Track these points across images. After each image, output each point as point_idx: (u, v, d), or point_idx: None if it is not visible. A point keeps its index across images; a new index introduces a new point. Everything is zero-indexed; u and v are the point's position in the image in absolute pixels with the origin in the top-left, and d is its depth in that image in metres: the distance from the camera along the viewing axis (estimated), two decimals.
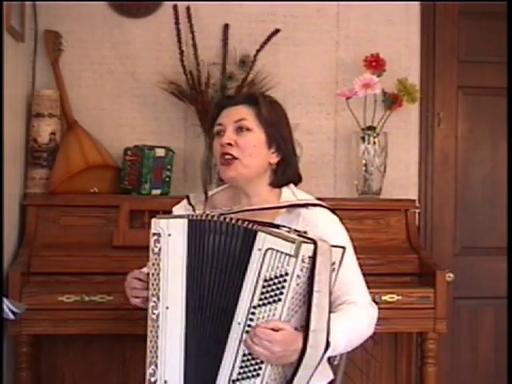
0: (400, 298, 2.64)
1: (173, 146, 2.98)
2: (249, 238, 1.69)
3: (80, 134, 2.90)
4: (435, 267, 2.72)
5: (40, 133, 2.85)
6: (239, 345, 1.69)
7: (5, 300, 2.08)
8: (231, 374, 1.70)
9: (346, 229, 1.98)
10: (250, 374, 1.69)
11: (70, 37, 3.01)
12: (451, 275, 2.81)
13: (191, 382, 1.77)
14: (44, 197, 2.80)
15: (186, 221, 1.78)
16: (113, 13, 3.05)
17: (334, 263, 1.73)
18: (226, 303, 1.72)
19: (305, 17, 3.14)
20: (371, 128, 3.01)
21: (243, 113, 1.93)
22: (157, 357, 1.78)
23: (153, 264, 1.80)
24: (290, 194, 1.97)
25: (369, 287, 2.63)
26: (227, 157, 1.90)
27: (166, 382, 1.78)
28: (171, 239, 1.78)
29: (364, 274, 2.64)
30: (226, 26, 3.06)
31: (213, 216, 1.77)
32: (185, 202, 2.05)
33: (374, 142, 3.01)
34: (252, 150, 1.90)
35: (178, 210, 2.05)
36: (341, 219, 1.99)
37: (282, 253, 1.64)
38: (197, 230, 1.77)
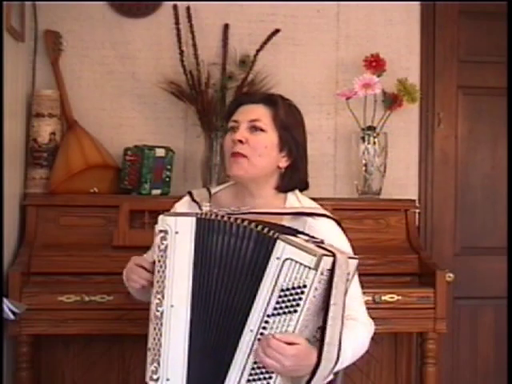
0: (400, 298, 2.64)
1: (173, 146, 2.98)
2: (265, 244, 1.67)
3: (80, 133, 2.90)
4: (435, 267, 2.72)
5: (40, 133, 2.85)
6: (250, 351, 1.67)
7: (5, 300, 2.08)
8: (240, 381, 1.68)
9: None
10: (259, 383, 1.67)
11: (69, 37, 3.01)
12: (451, 275, 2.81)
13: (194, 381, 1.76)
14: (44, 197, 2.80)
15: (194, 219, 1.77)
16: (113, 13, 3.05)
17: (348, 274, 1.72)
18: (237, 307, 1.70)
19: (305, 17, 3.14)
20: (371, 128, 3.01)
21: (260, 112, 1.92)
22: (159, 354, 1.77)
23: (158, 261, 1.78)
24: (295, 199, 1.97)
25: (369, 287, 2.66)
26: (236, 154, 1.90)
27: (168, 379, 1.77)
28: (178, 237, 1.76)
29: (364, 274, 2.64)
30: (226, 26, 3.06)
31: (222, 216, 1.76)
32: (188, 198, 2.04)
33: (374, 142, 3.01)
34: (262, 151, 1.89)
35: (181, 206, 2.04)
36: (344, 230, 1.98)
37: (301, 264, 1.61)
38: (205, 229, 1.76)
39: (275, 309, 1.64)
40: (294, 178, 1.96)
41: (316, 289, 1.62)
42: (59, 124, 2.91)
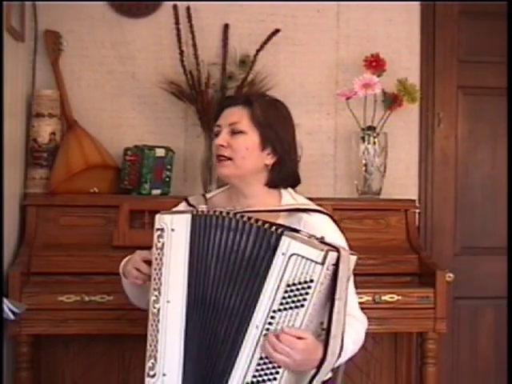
0: (400, 298, 2.64)
1: (173, 146, 2.98)
2: (268, 239, 1.69)
3: (80, 134, 2.90)
4: (435, 267, 2.72)
5: (40, 133, 2.85)
6: (256, 347, 1.67)
7: (5, 300, 2.08)
8: (245, 376, 1.69)
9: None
10: (265, 378, 1.68)
11: (69, 37, 3.01)
12: (451, 275, 2.81)
13: (190, 376, 1.77)
14: (44, 197, 2.80)
15: (189, 216, 1.80)
16: (113, 13, 3.05)
17: (349, 269, 1.74)
18: (238, 302, 1.71)
19: (305, 17, 3.14)
20: (371, 128, 3.01)
21: (238, 115, 1.94)
22: (156, 350, 1.78)
23: (155, 259, 1.81)
24: (289, 197, 1.99)
25: (369, 287, 2.66)
26: (221, 158, 1.94)
27: (164, 375, 1.78)
28: (174, 234, 1.79)
29: (364, 274, 2.65)
30: (226, 26, 3.06)
31: (221, 212, 1.78)
32: (184, 203, 2.06)
33: (374, 142, 3.01)
34: (244, 153, 1.92)
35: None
36: (338, 225, 1.99)
37: (308, 259, 1.63)
38: (201, 225, 1.78)
39: (281, 304, 1.65)
40: (282, 172, 1.97)
41: (322, 283, 1.63)
42: (59, 124, 2.91)
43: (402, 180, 3.21)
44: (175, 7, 2.96)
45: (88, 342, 2.77)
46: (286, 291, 1.65)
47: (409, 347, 3.00)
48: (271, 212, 1.90)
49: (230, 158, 1.93)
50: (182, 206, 2.06)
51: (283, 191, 2.00)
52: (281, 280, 1.65)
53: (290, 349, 1.64)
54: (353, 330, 1.84)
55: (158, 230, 1.81)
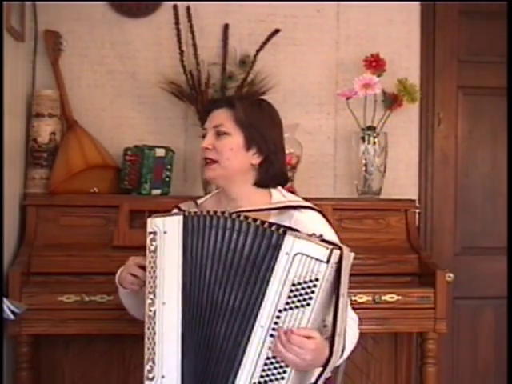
0: (400, 298, 2.64)
1: (173, 146, 2.98)
2: (269, 238, 1.70)
3: (80, 134, 2.90)
4: (435, 267, 2.72)
5: (40, 133, 2.85)
6: (262, 347, 1.68)
7: (5, 300, 2.08)
8: (252, 376, 1.69)
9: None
10: (273, 378, 1.68)
11: (69, 37, 3.01)
12: (451, 275, 2.81)
13: (190, 377, 1.78)
14: (44, 197, 2.80)
15: (181, 217, 1.80)
16: (113, 13, 3.05)
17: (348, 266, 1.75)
18: (237, 302, 1.71)
19: (305, 17, 3.14)
20: (371, 128, 3.01)
21: (222, 117, 1.96)
22: (154, 353, 1.79)
23: (149, 262, 1.81)
24: (279, 195, 1.99)
25: (369, 287, 2.66)
26: (207, 160, 1.96)
27: (163, 377, 1.78)
28: (167, 236, 1.80)
29: (364, 274, 2.65)
30: (226, 26, 3.06)
31: (215, 212, 1.78)
32: (175, 211, 2.06)
33: (374, 142, 3.01)
34: (229, 154, 1.94)
35: None
36: (329, 221, 2.00)
37: (313, 258, 1.64)
38: (194, 225, 1.79)
39: (287, 303, 1.66)
40: (269, 171, 1.98)
41: (327, 281, 1.64)
42: (59, 124, 2.91)
43: (402, 180, 3.21)
44: (175, 7, 2.96)
45: (88, 342, 2.77)
46: (291, 290, 1.65)
47: (409, 347, 3.00)
48: (262, 211, 1.90)
49: (215, 161, 1.95)
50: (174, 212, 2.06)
51: (273, 190, 2.00)
52: (286, 279, 1.66)
53: (301, 349, 1.64)
54: (349, 328, 1.84)
55: (150, 233, 1.81)
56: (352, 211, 2.91)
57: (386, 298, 2.64)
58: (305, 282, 1.64)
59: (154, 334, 1.78)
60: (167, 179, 2.92)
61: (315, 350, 1.66)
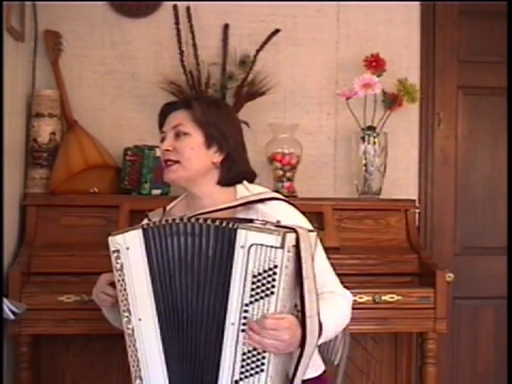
0: (400, 298, 2.64)
1: None
2: (226, 236, 1.70)
3: (80, 134, 2.90)
4: (435, 267, 2.72)
5: (40, 133, 2.85)
6: (236, 345, 1.68)
7: (5, 300, 2.08)
8: (233, 375, 1.69)
9: (309, 220, 1.99)
10: (253, 372, 1.68)
11: (69, 37, 3.01)
12: (451, 275, 2.81)
13: None
14: (44, 197, 2.80)
15: (140, 230, 1.79)
16: (113, 13, 3.05)
17: (311, 246, 1.75)
18: (211, 305, 1.72)
19: (305, 17, 3.14)
20: (371, 128, 3.00)
21: (180, 118, 1.96)
22: (140, 369, 1.79)
23: (118, 281, 1.80)
24: (244, 190, 1.98)
25: (369, 287, 2.66)
26: (168, 162, 1.95)
27: None
28: (130, 252, 1.78)
29: (364, 274, 2.65)
30: (226, 26, 3.06)
31: (174, 219, 1.78)
32: (145, 220, 2.06)
33: (374, 142, 3.01)
34: (190, 153, 1.93)
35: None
36: (299, 209, 1.98)
37: (267, 246, 1.64)
38: (155, 236, 1.78)
39: (252, 296, 1.66)
40: (232, 170, 1.97)
41: (286, 266, 1.64)
42: (59, 124, 2.91)
43: (402, 180, 3.21)
44: (175, 7, 2.97)
45: (88, 342, 2.77)
46: (253, 282, 1.66)
47: (409, 347, 3.00)
48: (225, 210, 1.89)
49: (176, 161, 1.94)
50: (145, 222, 2.04)
51: (238, 186, 1.99)
52: (246, 273, 1.66)
53: (276, 331, 1.65)
54: (333, 305, 1.86)
55: (113, 252, 1.80)
56: (352, 211, 2.91)
57: (386, 297, 2.64)
58: (265, 272, 1.65)
59: (136, 350, 1.78)
60: None
61: (290, 328, 1.67)
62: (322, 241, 1.97)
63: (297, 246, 1.66)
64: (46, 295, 2.49)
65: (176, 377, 1.78)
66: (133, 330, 1.78)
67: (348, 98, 2.97)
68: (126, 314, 1.78)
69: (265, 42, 3.00)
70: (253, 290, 1.66)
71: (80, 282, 2.62)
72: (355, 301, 2.32)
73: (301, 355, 1.70)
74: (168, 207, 2.08)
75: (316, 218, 2.73)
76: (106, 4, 3.04)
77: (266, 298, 1.65)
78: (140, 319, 1.77)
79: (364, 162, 3.01)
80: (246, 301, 1.67)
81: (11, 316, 2.09)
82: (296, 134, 2.99)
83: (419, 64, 3.23)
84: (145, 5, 3.05)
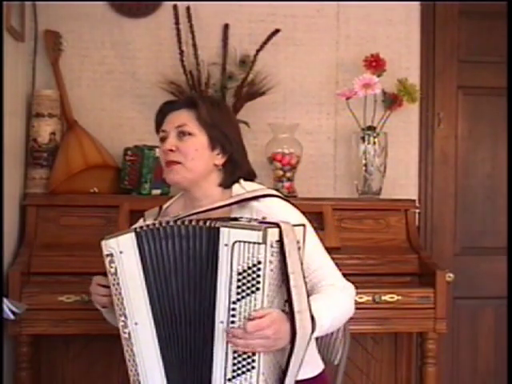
0: (400, 298, 2.64)
1: None
2: (213, 236, 1.70)
3: (80, 134, 2.90)
4: (435, 267, 2.72)
5: (40, 133, 2.85)
6: (227, 343, 1.68)
7: (5, 300, 2.08)
8: (225, 374, 1.70)
9: (303, 213, 1.98)
10: (244, 369, 1.69)
11: (69, 37, 3.01)
12: (451, 275, 2.81)
13: None
14: (44, 197, 2.80)
15: (133, 234, 1.77)
16: (113, 13, 3.05)
17: (298, 242, 1.75)
18: (203, 306, 1.72)
19: (305, 17, 3.14)
20: (371, 128, 3.00)
21: (184, 117, 1.93)
22: (138, 374, 1.78)
23: (113, 285, 1.79)
24: (239, 188, 1.96)
25: (369, 287, 2.66)
26: (170, 163, 1.92)
27: None
28: (124, 256, 1.77)
29: (364, 274, 2.65)
30: (226, 26, 3.06)
31: (167, 222, 1.77)
32: (141, 220, 2.06)
33: (374, 142, 3.01)
34: (194, 154, 1.90)
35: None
36: (295, 205, 1.98)
37: (249, 243, 1.64)
38: (148, 239, 1.76)
39: (238, 293, 1.67)
40: (235, 172, 1.96)
41: (271, 262, 1.65)
42: (59, 124, 2.91)
43: (402, 180, 3.21)
44: (175, 7, 2.96)
45: (88, 342, 2.77)
46: (238, 280, 1.66)
47: (409, 347, 3.01)
48: (219, 209, 1.88)
49: (179, 162, 1.91)
50: (139, 223, 2.04)
51: (234, 185, 1.97)
52: (231, 270, 1.66)
53: (259, 330, 1.64)
54: (329, 298, 1.83)
55: (107, 255, 1.79)
56: (352, 211, 2.91)
57: (386, 297, 2.63)
58: (249, 268, 1.65)
59: (134, 355, 1.78)
60: None
61: (274, 323, 1.66)
62: (322, 240, 1.97)
63: (280, 241, 1.66)
64: (46, 295, 2.49)
65: (174, 380, 1.77)
66: (129, 335, 1.77)
67: (348, 98, 2.97)
68: (122, 318, 1.78)
69: (265, 42, 3.00)
70: (239, 287, 1.66)
71: (80, 282, 2.61)
72: (355, 301, 2.32)
73: (291, 350, 1.69)
74: (164, 206, 2.06)
75: (316, 217, 2.73)
76: (106, 4, 3.04)
77: (253, 295, 1.65)
78: (136, 323, 1.77)
79: (364, 161, 3.01)
80: (233, 299, 1.67)
81: (11, 316, 2.09)
82: (296, 134, 2.99)
83: (419, 64, 3.23)
84: (145, 5, 3.05)
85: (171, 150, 1.91)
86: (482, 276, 3.25)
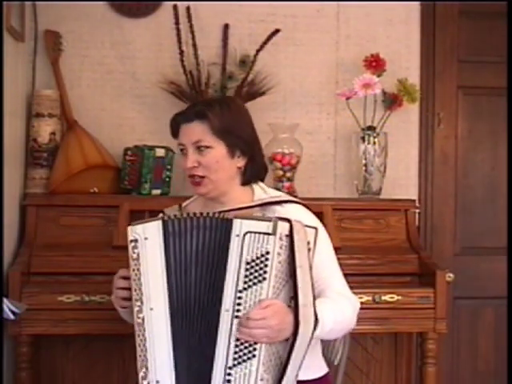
0: (400, 298, 2.64)
1: (173, 146, 2.96)
2: (226, 227, 1.74)
3: (80, 134, 2.90)
4: (435, 267, 2.72)
5: (40, 133, 2.85)
6: (230, 331, 1.71)
7: (5, 300, 2.08)
8: (227, 362, 1.72)
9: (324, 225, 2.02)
10: (245, 358, 1.71)
11: (69, 37, 3.01)
12: (451, 275, 2.81)
13: (184, 377, 1.78)
14: (44, 197, 2.80)
15: (160, 222, 1.80)
16: (113, 13, 3.05)
17: (309, 243, 1.79)
18: (213, 295, 1.74)
19: (305, 17, 3.14)
20: (371, 128, 3.01)
21: (198, 132, 1.93)
22: (147, 359, 1.79)
23: (133, 270, 1.81)
24: (261, 192, 2.00)
25: (369, 287, 2.66)
26: (195, 178, 1.96)
27: (158, 382, 1.78)
28: (148, 242, 1.80)
29: (364, 274, 2.65)
30: (226, 26, 3.06)
31: (194, 214, 1.80)
32: (160, 215, 2.07)
33: (374, 142, 3.01)
34: (216, 166, 1.93)
35: None
36: (316, 214, 2.01)
37: (260, 233, 1.69)
38: (175, 229, 1.79)
39: (245, 283, 1.70)
40: (254, 168, 2.00)
41: (279, 254, 1.69)
42: (59, 124, 2.91)
43: (402, 180, 3.21)
44: (175, 7, 2.96)
45: (88, 342, 2.77)
46: (246, 269, 1.70)
47: (409, 347, 3.00)
48: (244, 209, 1.92)
49: (203, 176, 1.94)
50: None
51: (255, 186, 2.02)
52: (240, 260, 1.71)
53: (262, 319, 1.68)
54: (335, 303, 1.86)
55: (131, 241, 1.81)
56: (352, 211, 2.91)
57: (386, 298, 2.64)
58: (257, 258, 1.69)
59: (145, 340, 1.79)
60: (167, 179, 2.92)
61: (277, 313, 1.69)
62: None
63: (290, 236, 1.70)
64: (46, 295, 2.49)
65: (182, 366, 1.78)
66: (143, 320, 1.79)
67: (348, 98, 2.97)
68: (138, 303, 1.79)
69: (265, 42, 3.00)
70: (246, 276, 1.70)
71: (80, 282, 2.62)
72: None
73: (293, 342, 1.71)
74: (184, 204, 2.10)
75: (316, 217, 2.72)
76: (106, 4, 3.04)
77: (259, 284, 1.69)
78: (152, 308, 1.79)
79: (364, 162, 3.01)
80: (240, 288, 1.71)
81: (11, 316, 2.09)
82: (296, 134, 2.99)
83: (419, 64, 3.23)
84: (145, 5, 3.05)
85: (194, 167, 1.95)
86: (482, 276, 3.25)
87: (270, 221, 1.69)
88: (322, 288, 1.90)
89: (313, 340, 1.80)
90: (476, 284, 3.24)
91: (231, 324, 1.71)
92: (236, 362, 1.71)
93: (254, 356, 1.70)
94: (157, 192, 2.89)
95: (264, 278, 1.69)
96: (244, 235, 1.71)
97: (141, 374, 1.80)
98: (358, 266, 2.76)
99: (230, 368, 1.71)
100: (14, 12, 2.67)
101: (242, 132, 1.96)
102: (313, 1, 3.14)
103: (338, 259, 2.00)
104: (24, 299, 2.44)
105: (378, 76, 2.95)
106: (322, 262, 1.90)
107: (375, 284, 2.72)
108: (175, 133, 2.01)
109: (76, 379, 2.81)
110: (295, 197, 2.87)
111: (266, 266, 1.68)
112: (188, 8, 2.99)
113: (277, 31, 3.03)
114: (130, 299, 1.87)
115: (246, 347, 1.71)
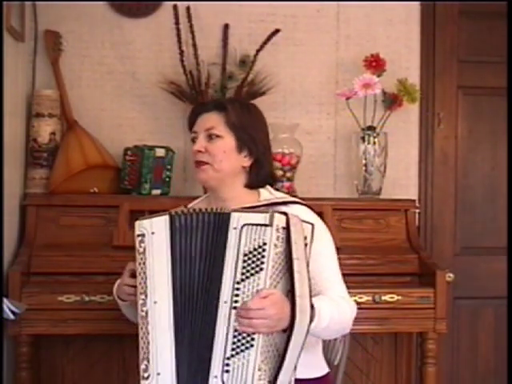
0: (400, 298, 2.64)
1: (173, 145, 2.98)
2: (224, 220, 1.78)
3: (80, 134, 2.90)
4: (435, 267, 2.72)
5: (40, 133, 2.85)
6: (229, 322, 1.73)
7: (5, 300, 2.08)
8: (225, 353, 1.73)
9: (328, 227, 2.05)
10: (243, 347, 1.72)
11: (69, 37, 3.01)
12: (451, 275, 2.81)
13: (185, 370, 1.79)
14: (44, 197, 2.80)
15: (167, 217, 1.83)
16: (113, 13, 3.05)
17: (305, 238, 1.81)
18: (213, 287, 1.77)
19: (305, 17, 3.14)
20: (371, 128, 3.01)
21: (213, 120, 2.00)
22: (148, 352, 1.80)
23: (139, 264, 1.83)
24: (267, 193, 2.04)
25: (369, 287, 2.66)
26: (200, 163, 1.99)
27: (158, 374, 1.79)
28: (155, 237, 1.82)
29: (364, 274, 2.65)
30: (226, 26, 3.06)
31: (200, 209, 1.83)
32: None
33: (374, 142, 3.01)
34: (222, 156, 1.98)
35: None
36: (321, 216, 2.03)
37: (257, 225, 1.72)
38: (181, 224, 1.82)
39: (242, 274, 1.73)
40: (260, 173, 2.03)
41: (276, 246, 1.72)
42: (59, 124, 2.91)
43: (402, 180, 3.21)
44: (175, 7, 2.96)
45: (88, 342, 2.77)
46: (244, 261, 1.73)
47: (409, 347, 3.00)
48: (249, 208, 1.92)
49: (207, 163, 1.98)
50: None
51: (261, 189, 2.05)
52: (238, 252, 1.74)
53: (261, 309, 1.69)
54: (334, 302, 1.88)
55: (138, 235, 1.84)
56: (352, 211, 2.91)
57: (386, 297, 2.64)
58: (254, 250, 1.72)
59: (148, 333, 1.80)
60: (167, 179, 2.92)
61: (276, 303, 1.71)
62: None
63: (287, 229, 1.73)
64: (46, 295, 2.49)
65: (183, 359, 1.80)
66: (147, 313, 1.81)
67: (348, 98, 2.97)
68: (143, 296, 1.81)
69: (265, 42, 3.00)
70: (244, 268, 1.73)
71: (80, 282, 2.62)
72: (355, 301, 2.32)
73: (291, 333, 1.73)
74: (189, 206, 2.11)
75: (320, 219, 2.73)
76: (106, 4, 3.04)
77: (256, 275, 1.72)
78: (156, 302, 1.80)
79: (364, 162, 3.01)
80: (238, 279, 1.74)
81: (11, 316, 2.09)
82: (296, 134, 2.99)
83: (419, 64, 3.23)
84: (145, 5, 3.05)
85: (200, 151, 1.98)
86: (481, 276, 3.25)
87: (266, 212, 1.73)
88: (322, 288, 1.92)
89: (312, 337, 1.81)
90: (476, 284, 3.24)
91: (229, 315, 1.73)
92: (234, 352, 1.73)
93: (251, 346, 1.72)
94: (157, 192, 2.89)
95: (261, 269, 1.71)
96: (241, 228, 1.74)
97: (142, 367, 1.81)
98: (358, 266, 2.76)
99: (229, 358, 1.73)
100: (14, 12, 2.67)
101: (254, 133, 2.01)
102: (313, 1, 3.14)
103: (338, 259, 2.01)
104: (24, 299, 2.44)
105: (378, 76, 2.95)
106: (325, 262, 1.93)
107: (375, 284, 2.72)
108: (192, 123, 2.06)
109: (76, 379, 2.81)
110: (296, 197, 2.88)
111: (263, 256, 1.71)
112: (188, 8, 2.99)
113: (277, 31, 3.03)
114: (134, 295, 1.88)
115: (243, 337, 1.72)
